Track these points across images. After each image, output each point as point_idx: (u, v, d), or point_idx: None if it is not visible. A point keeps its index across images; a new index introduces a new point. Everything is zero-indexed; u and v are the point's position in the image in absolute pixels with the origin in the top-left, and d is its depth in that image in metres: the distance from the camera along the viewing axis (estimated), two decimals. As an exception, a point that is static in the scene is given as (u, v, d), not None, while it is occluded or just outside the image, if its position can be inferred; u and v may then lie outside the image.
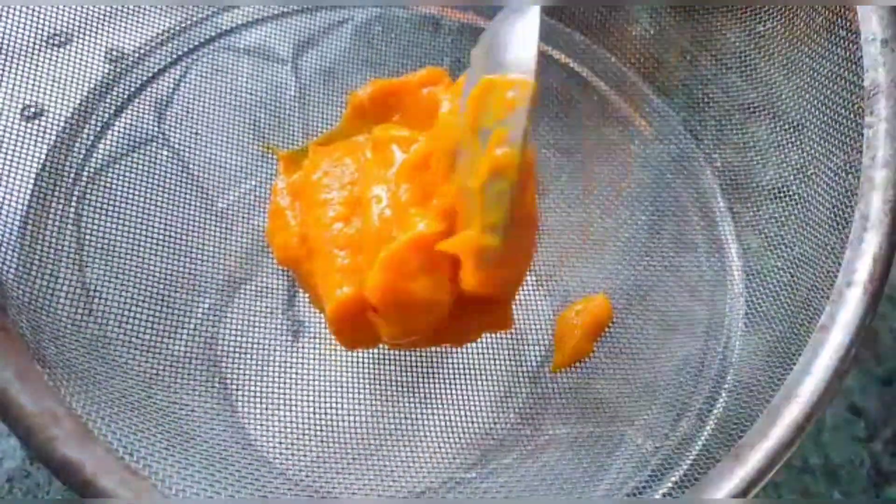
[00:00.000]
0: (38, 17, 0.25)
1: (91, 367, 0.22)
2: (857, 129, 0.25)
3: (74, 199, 0.24)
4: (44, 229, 0.23)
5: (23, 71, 0.25)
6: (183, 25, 0.29)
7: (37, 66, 0.26)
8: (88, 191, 0.24)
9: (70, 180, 0.24)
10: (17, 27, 0.25)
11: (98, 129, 0.26)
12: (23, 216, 0.22)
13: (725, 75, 0.32)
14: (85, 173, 0.25)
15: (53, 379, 0.19)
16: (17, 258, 0.21)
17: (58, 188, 0.24)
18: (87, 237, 0.24)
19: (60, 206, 0.24)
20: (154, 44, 0.28)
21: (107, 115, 0.26)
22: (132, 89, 0.27)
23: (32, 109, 0.25)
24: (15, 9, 0.25)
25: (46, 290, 0.22)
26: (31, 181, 0.23)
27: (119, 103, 0.26)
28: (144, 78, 0.27)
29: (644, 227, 0.31)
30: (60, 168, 0.24)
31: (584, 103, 0.32)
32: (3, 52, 0.25)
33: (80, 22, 0.27)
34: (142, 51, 0.27)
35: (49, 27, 0.26)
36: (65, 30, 0.27)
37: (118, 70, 0.27)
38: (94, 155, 0.25)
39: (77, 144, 0.25)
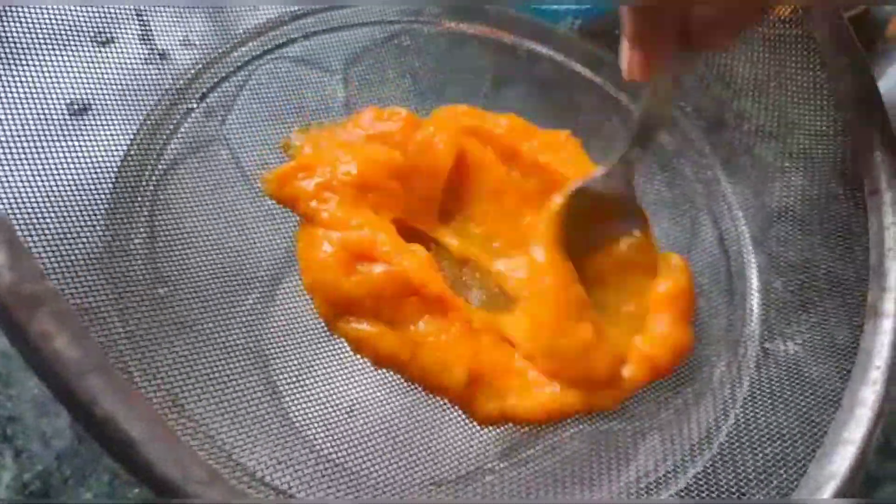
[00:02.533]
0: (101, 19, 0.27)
1: (160, 351, 0.23)
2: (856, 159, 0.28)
3: (149, 193, 0.26)
4: (122, 224, 0.25)
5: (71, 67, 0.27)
6: (247, 35, 0.31)
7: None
8: (159, 187, 0.26)
9: (145, 177, 0.26)
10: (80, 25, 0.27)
11: (169, 131, 0.28)
12: (105, 211, 0.24)
13: (738, 99, 0.34)
14: (157, 171, 0.27)
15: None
16: (101, 247, 0.23)
17: (135, 185, 0.26)
18: (159, 231, 0.26)
19: (136, 201, 0.26)
20: (221, 51, 0.30)
21: (176, 117, 0.28)
22: (199, 94, 0.29)
23: (78, 106, 0.27)
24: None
25: (125, 275, 0.24)
26: (112, 177, 0.25)
27: (187, 108, 0.28)
28: (210, 84, 0.29)
29: (662, 238, 0.33)
30: (137, 166, 0.26)
31: (613, 119, 0.34)
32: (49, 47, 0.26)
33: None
34: (211, 56, 0.29)
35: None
36: (109, 28, 0.28)
37: (189, 77, 0.29)
38: (165, 155, 0.27)
39: (152, 144, 0.27)
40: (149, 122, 0.27)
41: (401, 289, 0.25)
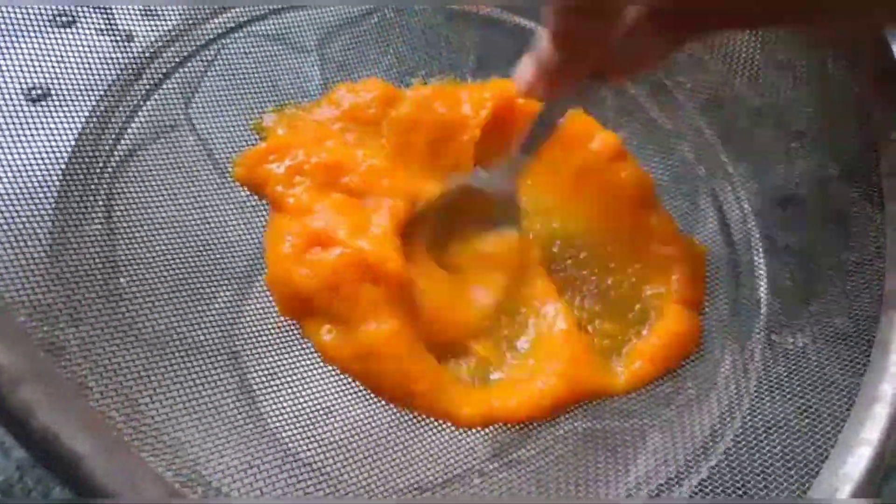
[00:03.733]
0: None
1: (117, 353, 0.22)
2: (856, 137, 0.26)
3: (105, 184, 0.24)
4: (74, 214, 0.23)
5: (30, 51, 0.25)
6: (212, 11, 0.28)
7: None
8: (117, 176, 0.24)
9: (100, 165, 0.24)
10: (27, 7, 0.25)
11: (127, 113, 0.26)
12: (55, 200, 0.22)
13: (734, 80, 0.32)
14: (114, 158, 0.25)
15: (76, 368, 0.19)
16: (50, 239, 0.21)
17: (88, 173, 0.24)
18: (117, 222, 0.24)
19: (91, 191, 0.24)
20: (183, 28, 0.28)
21: (136, 99, 0.26)
22: (161, 73, 0.27)
23: (38, 91, 0.25)
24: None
25: (77, 276, 0.22)
26: (63, 165, 0.23)
27: (148, 88, 0.26)
28: (174, 62, 0.27)
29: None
30: (91, 153, 0.24)
31: (601, 93, 0.32)
32: (6, 30, 0.24)
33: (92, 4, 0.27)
34: (171, 34, 0.27)
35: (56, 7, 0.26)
36: (71, 9, 0.27)
37: (149, 54, 0.26)
38: (123, 140, 0.25)
39: (108, 128, 0.25)
40: (104, 104, 0.25)
41: (356, 273, 0.23)
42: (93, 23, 0.27)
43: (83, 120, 0.25)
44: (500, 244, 0.28)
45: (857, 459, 0.20)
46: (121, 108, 0.26)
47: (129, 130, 0.26)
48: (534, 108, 0.29)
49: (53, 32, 0.26)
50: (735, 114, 0.32)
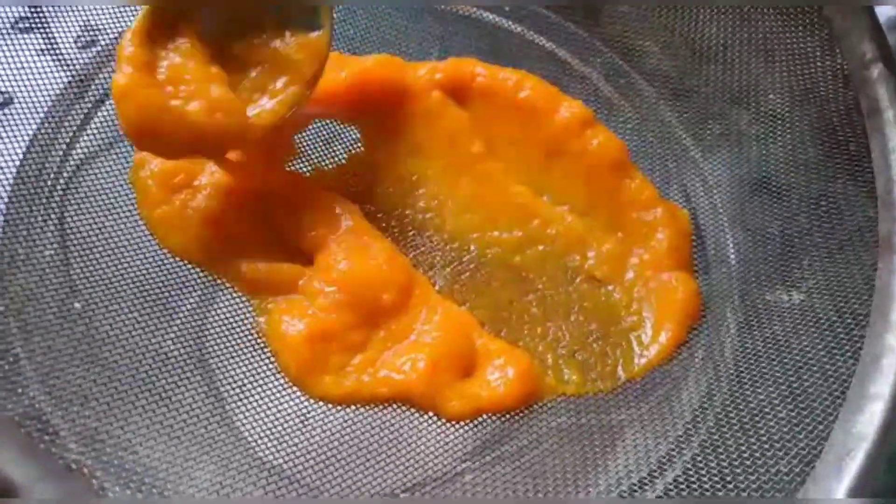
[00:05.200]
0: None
1: (78, 368, 0.21)
2: (837, 118, 0.25)
3: (57, 195, 0.23)
4: (26, 226, 0.22)
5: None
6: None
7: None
8: (71, 187, 0.24)
9: (52, 175, 0.23)
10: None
11: (79, 122, 0.25)
12: (3, 216, 0.21)
13: (706, 64, 0.31)
14: (66, 168, 0.24)
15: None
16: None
17: (40, 184, 0.23)
18: (71, 234, 0.23)
19: (42, 202, 0.23)
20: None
21: (88, 106, 0.25)
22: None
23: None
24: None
25: (31, 287, 0.21)
26: (11, 176, 0.22)
27: (100, 95, 0.26)
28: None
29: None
30: (42, 163, 0.23)
31: (572, 88, 0.31)
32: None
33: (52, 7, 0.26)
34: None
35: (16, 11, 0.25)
36: (30, 15, 0.26)
37: (99, 60, 0.26)
38: (76, 149, 0.25)
39: (59, 138, 0.24)
40: (56, 113, 0.24)
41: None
42: (52, 29, 0.26)
43: (34, 129, 0.24)
44: (302, 47, 0.23)
45: (869, 417, 0.19)
46: (72, 117, 0.25)
47: (83, 140, 0.25)
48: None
49: (13, 38, 0.25)
50: (702, 98, 0.31)
